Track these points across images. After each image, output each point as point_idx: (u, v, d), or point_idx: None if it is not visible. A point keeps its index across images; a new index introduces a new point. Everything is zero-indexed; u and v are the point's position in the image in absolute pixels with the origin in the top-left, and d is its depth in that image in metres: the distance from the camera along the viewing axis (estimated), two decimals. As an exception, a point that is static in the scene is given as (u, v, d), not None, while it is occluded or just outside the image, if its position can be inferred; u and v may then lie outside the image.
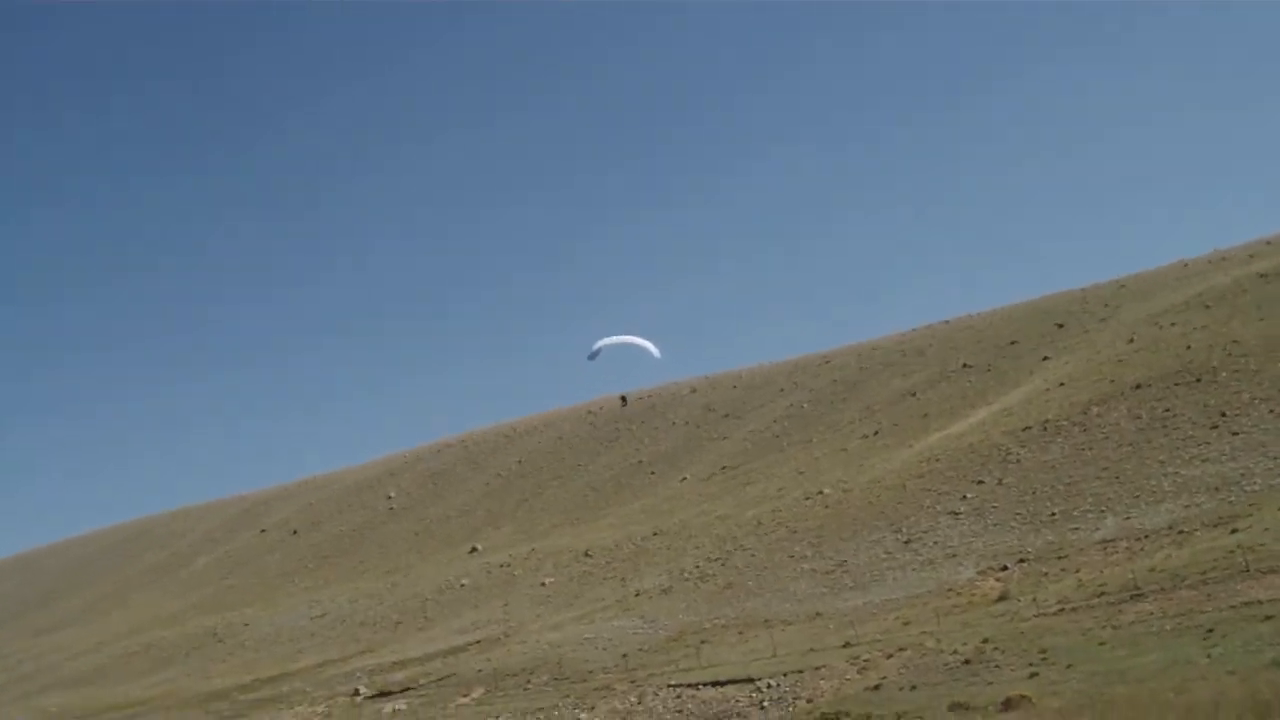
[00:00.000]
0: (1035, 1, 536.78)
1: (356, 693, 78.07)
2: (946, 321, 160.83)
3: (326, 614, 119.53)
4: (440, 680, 76.48)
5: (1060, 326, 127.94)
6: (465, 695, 70.60)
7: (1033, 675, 44.70)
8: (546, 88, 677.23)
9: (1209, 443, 74.78)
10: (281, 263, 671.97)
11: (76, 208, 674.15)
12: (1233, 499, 65.08)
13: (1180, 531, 62.86)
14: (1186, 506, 66.70)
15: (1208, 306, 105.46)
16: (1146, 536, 64.38)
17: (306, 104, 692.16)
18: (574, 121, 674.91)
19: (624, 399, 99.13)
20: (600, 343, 71.49)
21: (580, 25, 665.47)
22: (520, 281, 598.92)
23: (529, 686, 69.42)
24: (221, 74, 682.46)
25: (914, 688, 48.44)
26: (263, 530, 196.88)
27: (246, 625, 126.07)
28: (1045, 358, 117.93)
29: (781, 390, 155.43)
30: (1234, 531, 58.16)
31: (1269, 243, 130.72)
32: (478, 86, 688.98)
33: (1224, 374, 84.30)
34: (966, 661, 50.01)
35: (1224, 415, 77.73)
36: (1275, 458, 68.42)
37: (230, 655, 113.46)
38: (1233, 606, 46.70)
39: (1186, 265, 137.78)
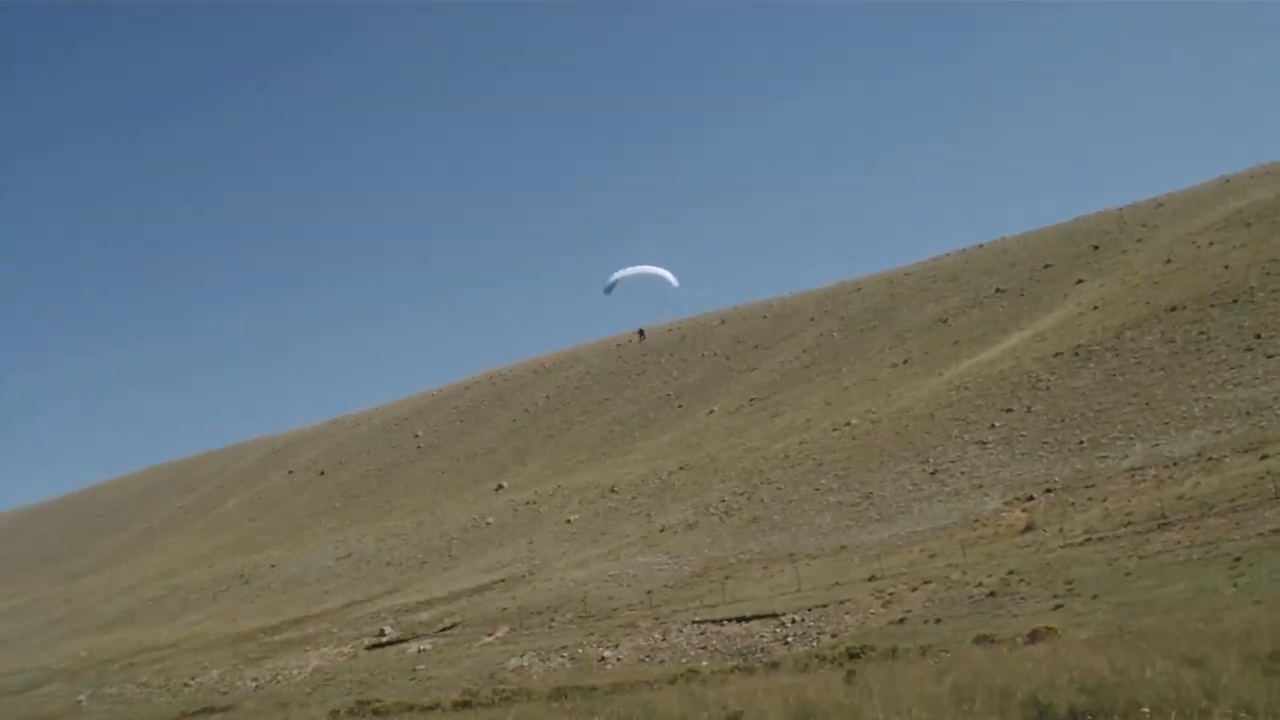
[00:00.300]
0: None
1: (382, 633, 77.72)
2: (980, 245, 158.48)
3: (352, 554, 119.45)
4: (463, 621, 76.02)
5: (1096, 248, 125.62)
6: (490, 634, 70.02)
7: (1058, 607, 43.57)
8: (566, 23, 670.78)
9: (1242, 366, 73.04)
10: (311, 198, 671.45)
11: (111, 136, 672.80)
12: (1264, 424, 63.56)
13: (1209, 458, 61.42)
14: (1217, 432, 65.15)
15: (1248, 224, 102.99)
16: (1175, 464, 62.98)
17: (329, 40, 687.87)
18: (601, 54, 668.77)
19: (641, 333, 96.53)
20: (616, 275, 69.24)
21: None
22: (547, 214, 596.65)
23: (553, 624, 68.79)
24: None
25: (938, 620, 47.42)
26: (290, 471, 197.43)
27: (273, 567, 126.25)
28: (1080, 280, 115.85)
29: (811, 319, 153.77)
30: (1264, 458, 56.66)
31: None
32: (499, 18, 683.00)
33: (1261, 294, 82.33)
34: (991, 594, 48.89)
35: (1259, 337, 75.92)
36: (1312, 379, 66.76)
37: (257, 597, 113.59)
38: (1260, 534, 45.35)
39: (1228, 181, 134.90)
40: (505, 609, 75.68)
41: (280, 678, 73.48)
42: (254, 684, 73.76)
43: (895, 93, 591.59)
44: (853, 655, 41.14)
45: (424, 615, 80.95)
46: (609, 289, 69.57)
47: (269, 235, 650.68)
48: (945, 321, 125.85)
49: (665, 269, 70.86)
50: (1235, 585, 39.51)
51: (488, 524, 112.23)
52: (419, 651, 70.59)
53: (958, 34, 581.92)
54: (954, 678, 19.78)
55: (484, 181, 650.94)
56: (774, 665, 43.22)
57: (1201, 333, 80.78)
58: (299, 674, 72.89)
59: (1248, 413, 65.72)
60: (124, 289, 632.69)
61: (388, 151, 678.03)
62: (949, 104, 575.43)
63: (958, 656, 30.02)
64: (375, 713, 44.08)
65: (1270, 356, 72.54)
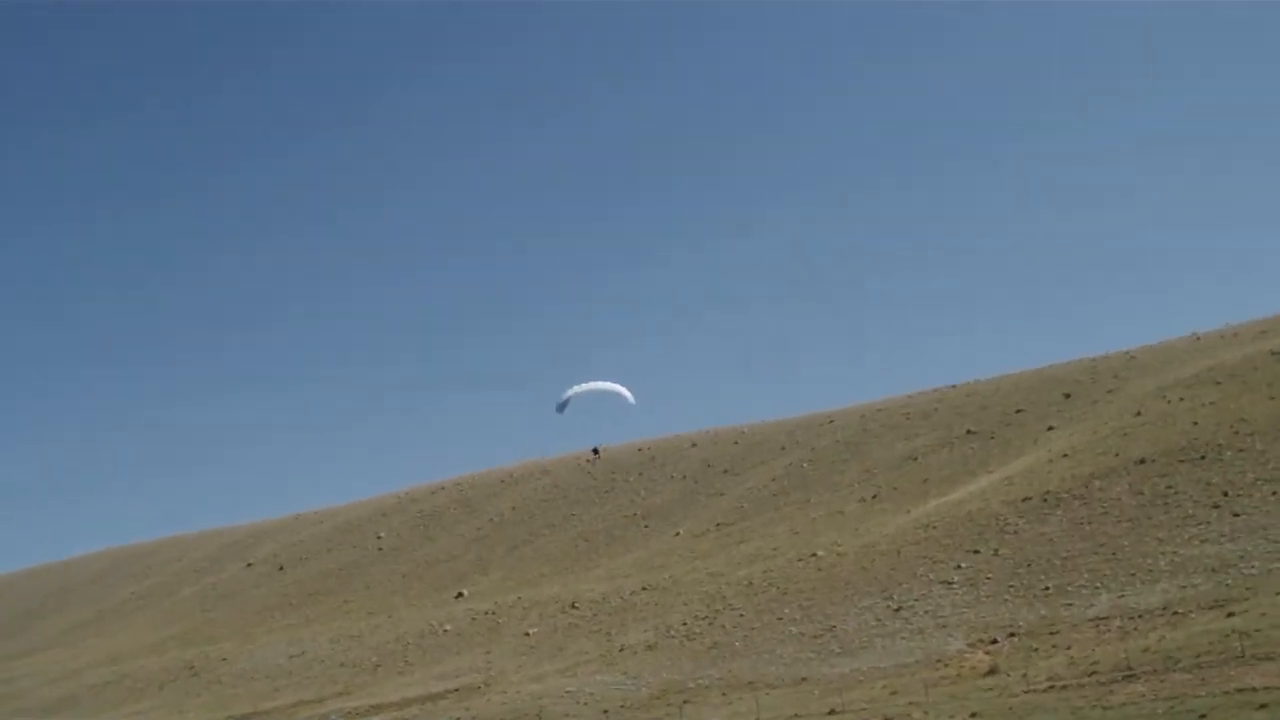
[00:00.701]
0: (1043, 56, 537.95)
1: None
2: (953, 386, 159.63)
3: (305, 653, 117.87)
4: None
5: (1068, 396, 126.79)
6: (442, 744, 69.22)
7: (1019, 754, 43.42)
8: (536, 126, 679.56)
9: (1209, 523, 73.56)
10: (280, 293, 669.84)
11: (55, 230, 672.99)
12: (1230, 581, 63.90)
13: (1175, 612, 61.67)
14: (1183, 587, 65.45)
15: (1218, 383, 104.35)
16: (1141, 616, 63.20)
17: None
18: (569, 165, 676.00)
19: (596, 451, 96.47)
20: (570, 391, 68.74)
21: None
22: (520, 327, 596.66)
23: (506, 738, 68.01)
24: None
25: (898, 760, 47.14)
26: (249, 564, 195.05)
27: (224, 660, 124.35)
28: (1050, 427, 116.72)
29: (782, 448, 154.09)
30: (1230, 615, 56.95)
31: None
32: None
33: (1229, 453, 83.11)
34: (953, 735, 48.71)
35: (1226, 495, 76.53)
36: (1275, 541, 67.43)
37: (205, 690, 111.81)
38: (1226, 693, 45.43)
39: (1199, 339, 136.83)
40: (459, 719, 74.72)
41: (224, 775, 72.24)
42: (196, 780, 72.49)
43: (874, 231, 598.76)
44: (812, 789, 40.87)
45: (375, 720, 79.97)
46: (561, 406, 68.72)
47: (241, 324, 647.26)
48: (915, 459, 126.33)
49: (625, 386, 69.95)
50: (1200, 742, 39.57)
51: (445, 631, 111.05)
52: (368, 757, 69.64)
53: (942, 174, 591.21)
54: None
55: (468, 287, 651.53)
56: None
57: (1169, 487, 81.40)
58: (245, 773, 71.70)
59: (1214, 569, 66.07)
60: (86, 366, 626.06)
61: (365, 248, 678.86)
62: (929, 246, 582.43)
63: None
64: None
65: (1237, 515, 73.12)
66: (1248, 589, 61.27)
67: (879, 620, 76.57)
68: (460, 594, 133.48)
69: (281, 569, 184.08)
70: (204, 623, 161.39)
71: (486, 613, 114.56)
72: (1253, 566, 64.70)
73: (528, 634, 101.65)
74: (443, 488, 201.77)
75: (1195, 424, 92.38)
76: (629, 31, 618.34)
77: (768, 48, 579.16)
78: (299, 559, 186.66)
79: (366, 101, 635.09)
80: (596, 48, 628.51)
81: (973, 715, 50.90)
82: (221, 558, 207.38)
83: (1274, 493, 74.06)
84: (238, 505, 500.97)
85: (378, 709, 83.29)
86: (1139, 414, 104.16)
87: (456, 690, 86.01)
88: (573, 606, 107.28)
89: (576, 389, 67.78)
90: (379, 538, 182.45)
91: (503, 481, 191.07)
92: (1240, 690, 45.05)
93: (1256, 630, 51.92)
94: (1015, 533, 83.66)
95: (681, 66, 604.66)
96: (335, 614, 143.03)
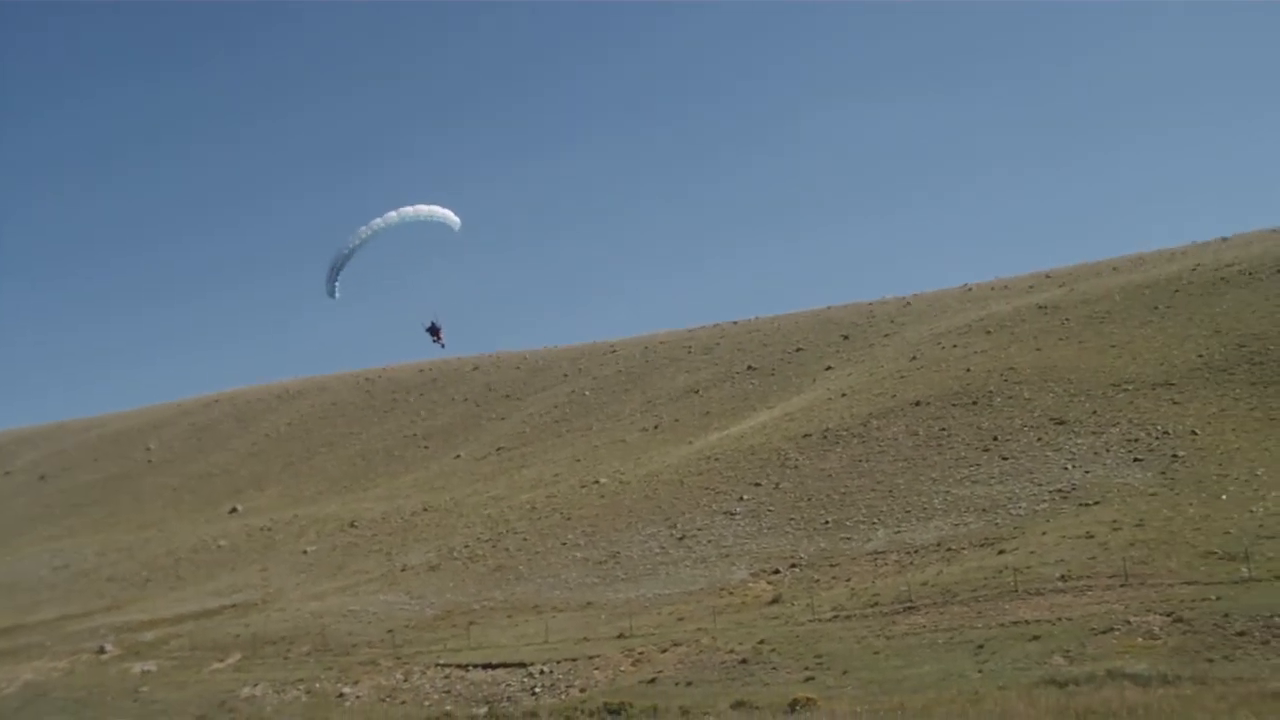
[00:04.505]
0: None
1: (102, 650, 74.10)
2: (734, 322, 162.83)
3: (69, 565, 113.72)
4: (191, 645, 73.19)
5: (845, 338, 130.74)
6: (221, 660, 67.71)
7: (809, 679, 44.97)
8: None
9: (980, 464, 76.90)
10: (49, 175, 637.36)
11: None
12: (999, 521, 66.98)
13: (949, 549, 64.35)
14: (955, 525, 68.36)
15: (989, 332, 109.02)
16: (916, 551, 65.75)
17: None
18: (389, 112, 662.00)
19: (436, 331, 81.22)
20: (377, 221, 50.93)
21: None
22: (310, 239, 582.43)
23: (289, 656, 67.01)
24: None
25: (689, 684, 48.26)
26: (7, 472, 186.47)
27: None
28: (829, 367, 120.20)
29: (565, 376, 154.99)
30: (1001, 553, 59.80)
31: (1049, 276, 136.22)
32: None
33: (999, 399, 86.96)
34: (743, 661, 50.08)
35: (995, 439, 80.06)
36: (1040, 484, 70.74)
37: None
38: (1001, 625, 47.89)
39: (970, 290, 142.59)
40: (237, 635, 73.38)
41: (-15, 689, 69.28)
42: (-47, 694, 69.29)
43: (662, 162, 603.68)
44: (611, 711, 41.68)
45: (148, 635, 77.64)
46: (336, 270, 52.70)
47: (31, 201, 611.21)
48: (697, 392, 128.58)
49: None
50: (980, 671, 41.67)
51: (219, 547, 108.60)
52: (142, 672, 67.68)
53: (751, 108, 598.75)
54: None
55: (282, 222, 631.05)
56: (530, 714, 43.30)
57: (943, 429, 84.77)
58: (7, 687, 68.95)
59: (984, 509, 69.23)
60: None
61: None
62: (713, 179, 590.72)
63: None
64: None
65: (1005, 459, 76.64)
66: (1016, 529, 64.36)
67: (663, 548, 77.86)
68: (234, 509, 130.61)
69: (43, 478, 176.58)
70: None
71: (262, 529, 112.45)
72: (1020, 507, 67.99)
73: (305, 552, 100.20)
74: (216, 401, 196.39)
75: (968, 370, 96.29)
76: None
77: None
78: (62, 469, 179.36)
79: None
80: None
81: (760, 642, 52.34)
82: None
83: (1039, 439, 77.79)
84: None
85: (151, 624, 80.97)
86: (914, 359, 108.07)
87: (234, 606, 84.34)
88: (351, 525, 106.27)
89: (386, 217, 51.16)
90: (149, 449, 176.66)
91: (279, 397, 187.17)
92: (1015, 623, 47.54)
93: (1027, 567, 54.71)
94: (796, 467, 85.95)
95: None
96: (101, 526, 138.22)
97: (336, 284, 52.99)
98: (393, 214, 50.95)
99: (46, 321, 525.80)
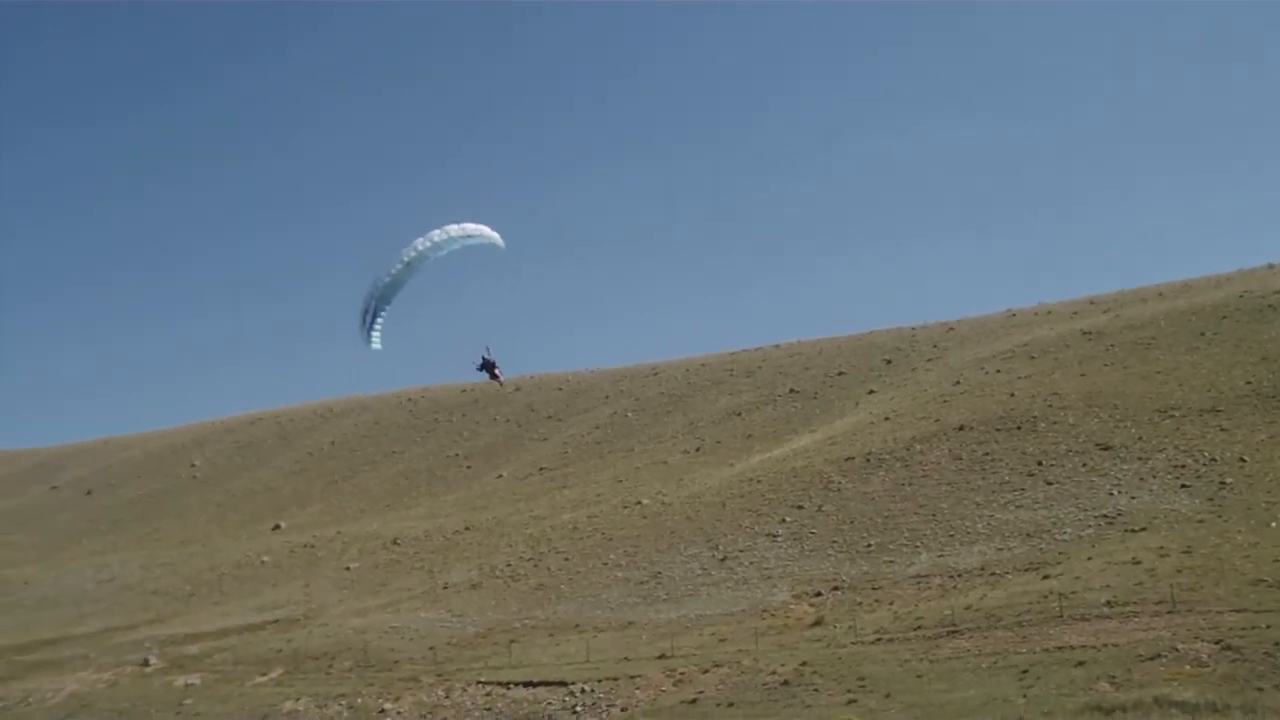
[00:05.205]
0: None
1: (146, 663, 74.68)
2: (777, 346, 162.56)
3: (114, 579, 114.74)
4: (234, 659, 73.71)
5: (888, 362, 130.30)
6: (263, 674, 68.14)
7: (851, 701, 44.87)
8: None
9: (1024, 489, 76.45)
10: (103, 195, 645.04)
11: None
12: (1043, 546, 66.53)
13: (993, 573, 63.99)
14: (999, 549, 67.96)
15: (1033, 358, 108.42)
16: (959, 575, 65.41)
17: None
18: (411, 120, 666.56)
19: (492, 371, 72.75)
20: (413, 251, 45.85)
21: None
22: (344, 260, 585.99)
23: (331, 671, 67.41)
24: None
25: (731, 704, 48.26)
26: (53, 487, 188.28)
27: (26, 584, 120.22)
28: (871, 391, 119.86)
29: (607, 397, 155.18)
30: (1045, 578, 59.42)
31: (1093, 302, 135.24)
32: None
33: (1043, 424, 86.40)
34: (785, 683, 50.01)
35: (1040, 464, 79.57)
36: (1086, 510, 70.24)
37: (6, 613, 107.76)
38: (1046, 650, 47.60)
39: (1014, 315, 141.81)
40: (280, 650, 73.88)
41: (31, 700, 70.19)
42: (0, 704, 70.02)
43: (700, 188, 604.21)
44: (655, 730, 41.63)
45: (192, 649, 78.21)
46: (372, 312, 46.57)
47: (46, 228, 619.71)
48: (739, 415, 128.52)
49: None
50: (1025, 696, 41.44)
51: (262, 563, 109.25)
52: (186, 685, 68.18)
53: (803, 140, 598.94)
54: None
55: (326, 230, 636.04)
56: (575, 733, 43.33)
57: (987, 454, 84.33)
58: (53, 697, 69.71)
59: (1028, 534, 68.79)
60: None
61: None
62: (756, 206, 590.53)
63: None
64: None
65: (1050, 483, 76.14)
66: (1060, 553, 63.95)
67: (704, 569, 77.81)
68: (278, 526, 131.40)
69: (89, 493, 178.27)
70: (4, 545, 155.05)
71: (305, 546, 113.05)
72: (1065, 532, 67.54)
73: (348, 568, 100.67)
74: (260, 418, 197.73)
75: (1012, 395, 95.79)
76: None
77: None
78: (107, 484, 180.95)
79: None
80: None
81: (803, 664, 52.24)
82: (24, 480, 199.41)
83: (1084, 464, 77.27)
84: (41, 427, 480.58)
85: (195, 638, 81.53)
86: (958, 383, 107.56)
87: (276, 621, 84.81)
88: (394, 543, 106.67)
89: (412, 253, 45.61)
90: (193, 466, 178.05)
91: (321, 415, 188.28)
92: (1060, 648, 47.24)
93: (1072, 592, 54.35)
94: (838, 490, 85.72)
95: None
96: (146, 541, 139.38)
97: (375, 331, 47.12)
98: (436, 233, 46.35)
99: (92, 338, 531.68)
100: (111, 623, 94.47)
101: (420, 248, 45.46)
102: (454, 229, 46.50)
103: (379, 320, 46.33)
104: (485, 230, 47.10)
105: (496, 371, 52.04)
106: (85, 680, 72.63)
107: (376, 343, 46.88)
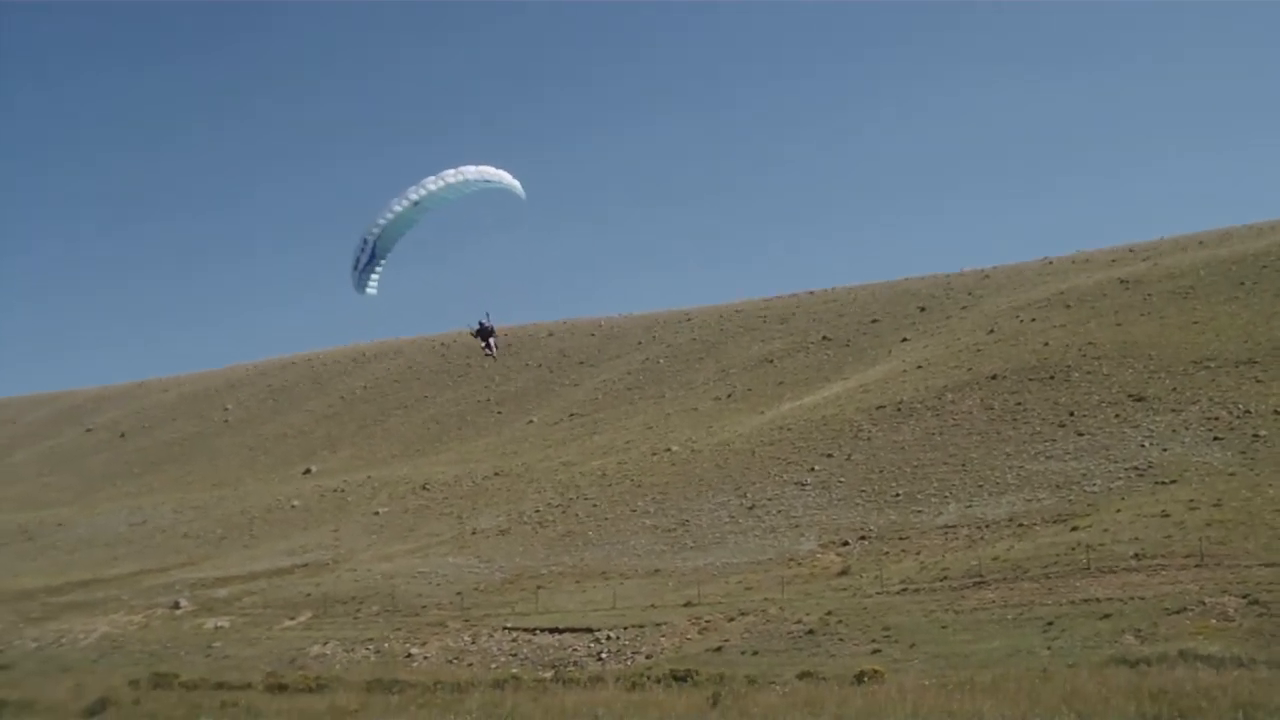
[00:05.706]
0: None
1: (177, 605, 75.39)
2: (810, 293, 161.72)
3: (147, 522, 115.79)
4: (264, 603, 74.29)
5: (923, 310, 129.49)
6: (292, 618, 68.63)
7: (875, 651, 44.74)
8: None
9: (1055, 440, 75.86)
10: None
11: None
12: (1073, 498, 66.03)
13: (1020, 524, 63.59)
14: (1028, 500, 67.52)
15: (1068, 306, 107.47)
16: (987, 526, 65.06)
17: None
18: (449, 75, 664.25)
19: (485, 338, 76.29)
20: (419, 191, 40.46)
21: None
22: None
23: (359, 615, 67.75)
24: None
25: (756, 653, 48.23)
26: (88, 429, 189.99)
27: (60, 525, 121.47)
28: (905, 339, 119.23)
29: (639, 343, 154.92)
30: (1074, 529, 58.92)
31: (1131, 250, 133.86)
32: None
33: (1076, 374, 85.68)
34: (810, 632, 49.95)
35: (1072, 415, 78.93)
36: (1116, 461, 69.65)
37: (41, 555, 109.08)
38: (1072, 602, 47.27)
39: (1051, 263, 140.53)
40: (308, 594, 74.26)
41: (64, 640, 70.88)
42: (34, 644, 70.95)
43: (739, 136, 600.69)
44: (677, 678, 41.56)
45: (222, 592, 78.87)
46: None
47: (91, 167, 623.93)
48: (771, 362, 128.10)
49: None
50: (1049, 648, 41.18)
51: (292, 507, 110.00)
52: (215, 628, 68.78)
53: (823, 80, 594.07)
54: (834, 713, 20.12)
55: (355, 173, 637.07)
56: (597, 679, 43.34)
57: (1019, 404, 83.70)
58: (85, 638, 70.38)
59: (1058, 485, 68.28)
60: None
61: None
62: (793, 145, 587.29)
63: (812, 691, 30.47)
64: (184, 686, 42.66)
65: (1081, 434, 75.50)
66: (1090, 505, 63.42)
67: (732, 517, 77.70)
68: (308, 470, 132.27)
69: (123, 436, 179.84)
70: (40, 487, 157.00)
71: (335, 490, 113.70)
72: (1095, 484, 66.98)
73: (377, 513, 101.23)
74: (293, 363, 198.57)
75: (1046, 344, 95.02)
76: None
77: None
78: (142, 427, 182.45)
79: None
80: None
81: (828, 613, 52.12)
82: (58, 422, 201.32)
83: (1117, 415, 76.60)
84: (76, 370, 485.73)
85: (225, 581, 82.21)
86: (992, 331, 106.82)
87: (305, 565, 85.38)
88: (423, 488, 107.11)
89: (417, 193, 40.20)
90: (226, 409, 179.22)
91: (354, 359, 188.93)
92: (1085, 600, 46.92)
93: (1100, 545, 53.86)
94: (868, 439, 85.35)
95: None
96: (179, 485, 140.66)
97: (374, 276, 41.72)
98: (450, 173, 41.07)
99: (128, 281, 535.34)
100: (143, 565, 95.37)
101: (431, 187, 40.71)
102: (470, 170, 41.59)
103: (379, 265, 41.34)
104: (505, 176, 42.56)
105: (492, 341, 49.16)
106: (117, 622, 73.34)
107: (373, 288, 42.02)
